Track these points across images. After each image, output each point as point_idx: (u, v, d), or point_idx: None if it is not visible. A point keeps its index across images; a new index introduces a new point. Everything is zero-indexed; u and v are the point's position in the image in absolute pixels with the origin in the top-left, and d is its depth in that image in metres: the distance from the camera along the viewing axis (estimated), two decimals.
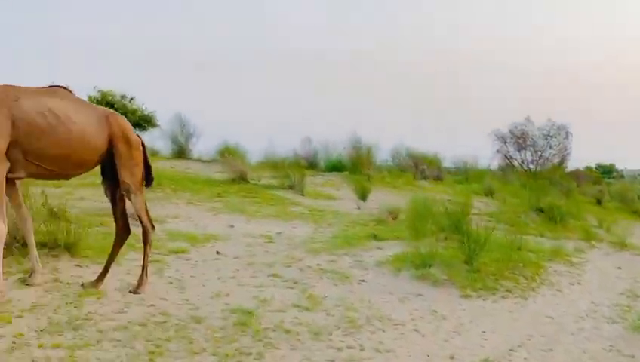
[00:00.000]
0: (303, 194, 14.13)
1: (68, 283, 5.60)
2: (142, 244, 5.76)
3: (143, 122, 24.53)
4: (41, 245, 6.02)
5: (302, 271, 6.81)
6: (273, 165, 19.37)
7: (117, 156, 5.46)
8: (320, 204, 13.30)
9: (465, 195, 17.52)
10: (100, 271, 5.67)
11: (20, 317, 4.65)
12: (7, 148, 4.99)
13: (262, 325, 4.99)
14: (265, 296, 5.79)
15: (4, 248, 4.99)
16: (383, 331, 5.18)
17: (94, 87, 23.74)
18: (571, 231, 12.17)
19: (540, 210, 13.89)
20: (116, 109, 23.55)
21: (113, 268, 6.27)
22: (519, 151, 24.99)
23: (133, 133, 5.61)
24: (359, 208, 13.20)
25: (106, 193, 5.78)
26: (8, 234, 5.71)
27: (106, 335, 4.46)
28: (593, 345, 5.49)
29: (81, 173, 5.54)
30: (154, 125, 24.43)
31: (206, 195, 11.94)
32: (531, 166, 25.13)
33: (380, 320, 5.43)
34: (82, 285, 5.54)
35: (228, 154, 16.65)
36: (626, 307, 6.76)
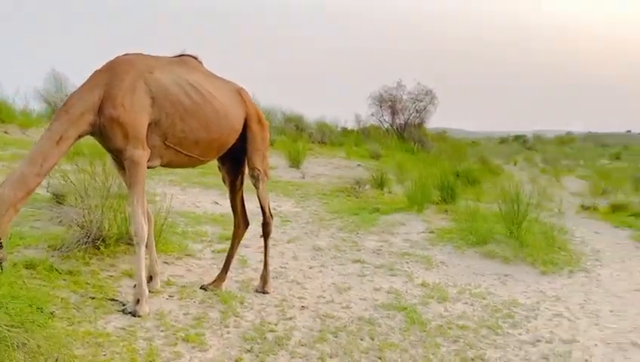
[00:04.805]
0: None
1: (183, 286, 4.74)
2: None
3: None
4: (116, 240, 5.06)
5: (379, 256, 6.47)
6: None
7: (251, 138, 4.67)
8: None
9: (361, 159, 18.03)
10: (221, 269, 4.89)
11: (201, 335, 3.84)
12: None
13: (432, 322, 4.64)
14: (385, 287, 5.41)
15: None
16: (535, 318, 4.99)
17: None
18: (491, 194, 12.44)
19: (457, 175, 14.50)
20: None
21: (195, 263, 5.51)
22: (393, 115, 25.79)
23: (261, 111, 4.84)
24: (304, 177, 12.83)
25: (224, 180, 4.93)
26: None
27: (314, 351, 3.85)
28: None
29: (212, 160, 4.64)
30: None
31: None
32: (397, 128, 26.03)
33: (514, 306, 5.21)
34: (202, 287, 4.72)
35: None
36: None
